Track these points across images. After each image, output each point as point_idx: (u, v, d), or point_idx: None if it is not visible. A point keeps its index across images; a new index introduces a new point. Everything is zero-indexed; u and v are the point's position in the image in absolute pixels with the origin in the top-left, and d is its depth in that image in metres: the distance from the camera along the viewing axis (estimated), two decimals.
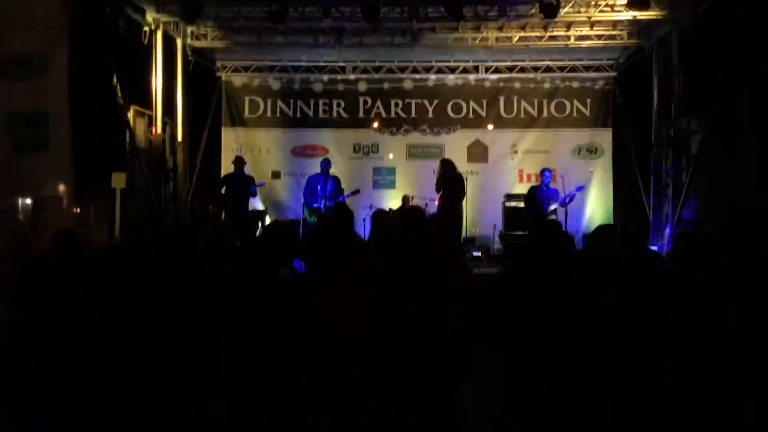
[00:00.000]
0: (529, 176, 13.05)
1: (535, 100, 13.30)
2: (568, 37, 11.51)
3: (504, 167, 13.32)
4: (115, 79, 8.70)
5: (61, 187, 6.76)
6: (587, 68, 13.06)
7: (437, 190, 10.39)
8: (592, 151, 13.23)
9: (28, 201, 6.55)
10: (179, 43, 11.64)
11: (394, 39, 11.65)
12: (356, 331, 4.00)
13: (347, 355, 3.98)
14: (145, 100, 10.90)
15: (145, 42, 10.57)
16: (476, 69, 13.15)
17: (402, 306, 4.22)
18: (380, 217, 6.06)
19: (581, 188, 11.10)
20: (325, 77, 13.32)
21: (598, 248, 5.13)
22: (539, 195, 10.54)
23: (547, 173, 10.76)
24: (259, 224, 11.78)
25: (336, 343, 3.99)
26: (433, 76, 13.26)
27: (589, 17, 10.69)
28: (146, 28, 10.46)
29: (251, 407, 4.16)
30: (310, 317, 4.09)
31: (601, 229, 5.62)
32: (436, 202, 10.77)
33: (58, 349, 4.10)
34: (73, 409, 4.06)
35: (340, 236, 4.34)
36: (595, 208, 12.91)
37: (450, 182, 10.28)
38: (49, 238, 4.60)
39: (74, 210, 6.88)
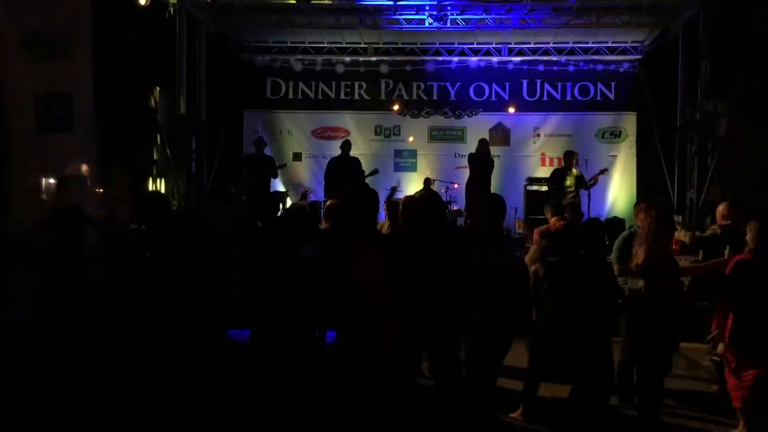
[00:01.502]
0: (551, 160, 12.97)
1: (559, 83, 13.17)
2: (594, 19, 11.37)
3: (526, 151, 13.23)
4: (138, 59, 8.73)
5: (85, 167, 6.81)
6: (612, 51, 12.88)
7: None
8: (615, 134, 13.11)
9: (52, 181, 6.61)
10: (202, 23, 11.66)
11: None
12: (382, 306, 4.00)
13: (374, 330, 3.98)
14: (168, 81, 10.94)
15: (168, 22, 10.60)
16: (499, 51, 13.02)
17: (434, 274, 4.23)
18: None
19: (603, 171, 11.05)
20: (347, 59, 13.26)
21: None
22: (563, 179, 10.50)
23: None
24: (280, 206, 11.81)
25: (362, 318, 4.00)
26: (455, 59, 13.15)
27: None
28: (170, 8, 10.49)
29: (274, 388, 4.18)
30: (334, 295, 4.10)
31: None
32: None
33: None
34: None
35: (362, 218, 4.32)
36: (618, 192, 12.80)
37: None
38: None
39: (97, 190, 6.93)
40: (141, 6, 9.02)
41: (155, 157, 10.80)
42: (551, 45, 12.84)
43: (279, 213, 11.23)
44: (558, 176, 10.71)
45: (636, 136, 12.94)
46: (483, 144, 11.21)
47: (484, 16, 11.33)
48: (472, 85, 13.32)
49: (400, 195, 11.87)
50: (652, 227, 4.81)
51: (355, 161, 11.10)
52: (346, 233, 4.44)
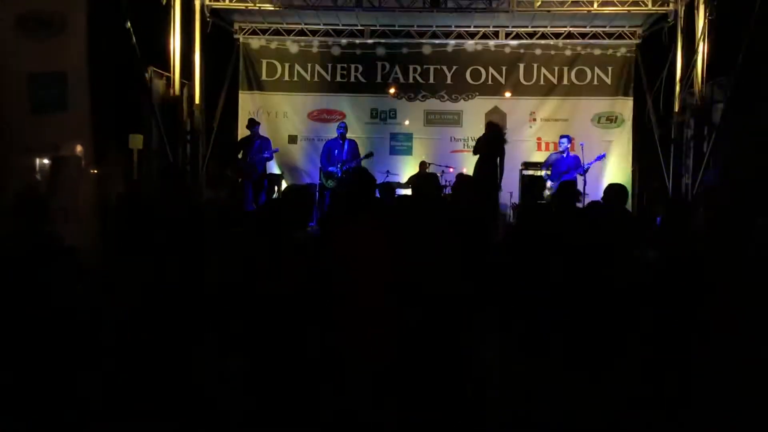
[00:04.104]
0: (547, 144, 12.96)
1: (556, 68, 13.11)
2: (591, 3, 11.36)
3: (522, 135, 13.19)
4: (133, 39, 8.66)
5: (79, 148, 6.76)
6: (609, 35, 12.82)
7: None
8: (612, 119, 13.08)
9: (46, 161, 6.56)
10: (197, 3, 11.57)
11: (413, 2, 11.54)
12: (376, 292, 3.98)
13: (367, 317, 3.97)
14: (163, 61, 10.88)
15: (164, 2, 10.52)
16: (496, 35, 12.96)
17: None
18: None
19: (602, 157, 11.13)
20: (344, 41, 13.19)
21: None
22: (557, 163, 10.55)
23: (563, 140, 10.84)
24: (276, 188, 11.81)
25: (355, 305, 3.98)
26: (452, 42, 13.09)
27: None
28: None
29: (265, 369, 4.16)
30: (329, 279, 4.07)
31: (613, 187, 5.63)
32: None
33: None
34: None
35: (359, 200, 4.30)
36: (614, 177, 12.74)
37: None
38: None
39: (92, 170, 6.89)
40: None
41: (150, 139, 10.74)
42: (548, 29, 12.79)
43: (274, 195, 11.28)
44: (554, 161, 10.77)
45: (632, 121, 12.92)
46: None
47: None
48: (469, 69, 13.25)
49: (396, 178, 12.04)
50: None
51: (352, 144, 11.10)
52: (342, 216, 4.41)
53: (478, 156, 9.84)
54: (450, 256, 4.36)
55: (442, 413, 4.24)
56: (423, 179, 5.30)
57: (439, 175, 11.70)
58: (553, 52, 13.01)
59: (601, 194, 11.20)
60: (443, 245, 4.39)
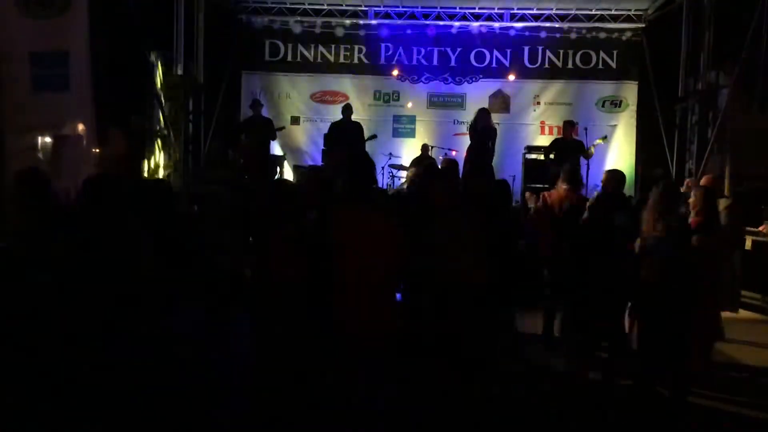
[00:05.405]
0: (551, 128, 12.90)
1: (560, 51, 13.02)
2: None
3: (526, 119, 13.14)
4: (135, 19, 8.61)
5: (81, 127, 6.75)
6: (615, 18, 12.72)
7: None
8: (616, 104, 13.01)
9: (48, 140, 6.56)
10: None
11: None
12: (376, 277, 3.97)
13: (368, 299, 3.96)
14: (165, 41, 10.82)
15: None
16: (501, 17, 12.86)
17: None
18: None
19: (603, 137, 11.11)
20: (347, 22, 13.10)
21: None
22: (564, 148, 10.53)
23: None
24: (278, 169, 11.79)
25: (356, 288, 3.97)
26: (457, 23, 12.99)
27: None
28: None
29: (269, 351, 4.16)
30: (330, 263, 4.06)
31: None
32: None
33: None
34: None
35: (357, 186, 4.26)
36: (617, 161, 12.73)
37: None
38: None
39: (94, 150, 6.89)
40: None
41: (152, 119, 10.72)
42: (554, 11, 12.68)
43: (276, 176, 11.27)
44: (558, 146, 10.71)
45: (636, 106, 12.85)
46: (482, 115, 10.88)
47: None
48: (473, 51, 13.16)
49: (398, 161, 12.00)
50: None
51: (357, 126, 11.03)
52: (342, 198, 4.37)
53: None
54: (463, 241, 4.36)
55: (443, 401, 4.24)
56: (443, 179, 5.26)
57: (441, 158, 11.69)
58: (558, 35, 12.90)
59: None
60: (456, 230, 4.39)
